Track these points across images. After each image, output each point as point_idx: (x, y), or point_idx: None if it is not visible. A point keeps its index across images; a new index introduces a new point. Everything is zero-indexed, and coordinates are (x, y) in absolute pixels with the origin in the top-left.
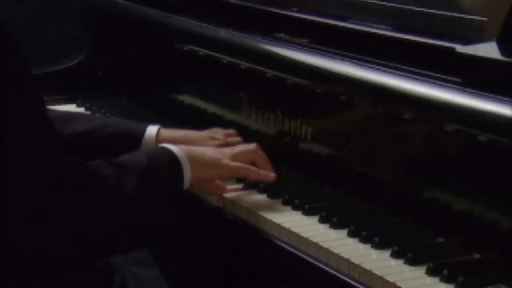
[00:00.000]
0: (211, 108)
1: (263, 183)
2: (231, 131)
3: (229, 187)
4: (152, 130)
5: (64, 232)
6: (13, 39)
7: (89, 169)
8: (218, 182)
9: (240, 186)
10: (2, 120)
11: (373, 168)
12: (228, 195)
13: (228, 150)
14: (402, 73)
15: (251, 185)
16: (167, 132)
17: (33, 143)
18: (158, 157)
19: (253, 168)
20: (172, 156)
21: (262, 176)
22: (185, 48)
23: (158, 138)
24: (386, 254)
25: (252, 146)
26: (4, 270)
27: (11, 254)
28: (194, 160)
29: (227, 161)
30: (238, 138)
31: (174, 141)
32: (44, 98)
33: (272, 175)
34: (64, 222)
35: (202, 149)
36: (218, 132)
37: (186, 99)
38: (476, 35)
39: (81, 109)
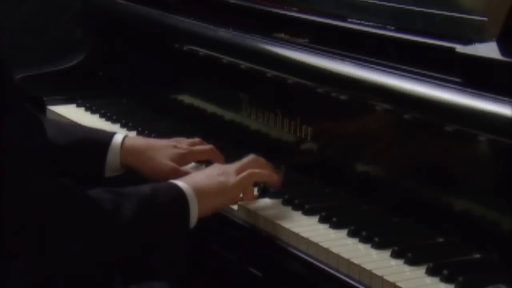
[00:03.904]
0: (211, 108)
1: (272, 187)
2: (196, 139)
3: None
4: (118, 138)
5: (48, 254)
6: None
7: (83, 191)
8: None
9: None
10: None
11: (373, 168)
12: None
13: (231, 168)
14: (402, 73)
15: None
16: (130, 140)
17: (19, 162)
18: (163, 190)
19: (257, 171)
20: (178, 191)
21: (272, 177)
22: (185, 48)
23: (122, 146)
24: (386, 254)
25: (251, 156)
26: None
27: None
28: (202, 193)
29: (233, 180)
30: (206, 146)
31: (136, 149)
32: (44, 98)
33: (277, 177)
34: (47, 243)
35: (208, 176)
36: (182, 141)
37: (186, 99)
38: (476, 35)
39: (81, 109)
